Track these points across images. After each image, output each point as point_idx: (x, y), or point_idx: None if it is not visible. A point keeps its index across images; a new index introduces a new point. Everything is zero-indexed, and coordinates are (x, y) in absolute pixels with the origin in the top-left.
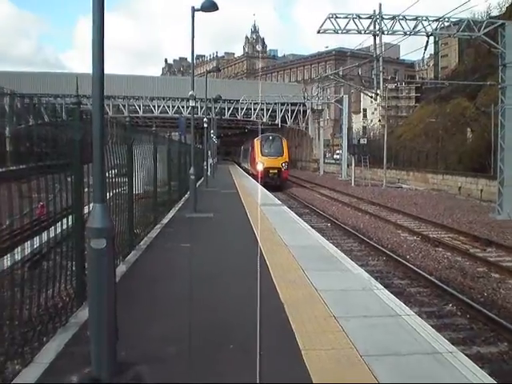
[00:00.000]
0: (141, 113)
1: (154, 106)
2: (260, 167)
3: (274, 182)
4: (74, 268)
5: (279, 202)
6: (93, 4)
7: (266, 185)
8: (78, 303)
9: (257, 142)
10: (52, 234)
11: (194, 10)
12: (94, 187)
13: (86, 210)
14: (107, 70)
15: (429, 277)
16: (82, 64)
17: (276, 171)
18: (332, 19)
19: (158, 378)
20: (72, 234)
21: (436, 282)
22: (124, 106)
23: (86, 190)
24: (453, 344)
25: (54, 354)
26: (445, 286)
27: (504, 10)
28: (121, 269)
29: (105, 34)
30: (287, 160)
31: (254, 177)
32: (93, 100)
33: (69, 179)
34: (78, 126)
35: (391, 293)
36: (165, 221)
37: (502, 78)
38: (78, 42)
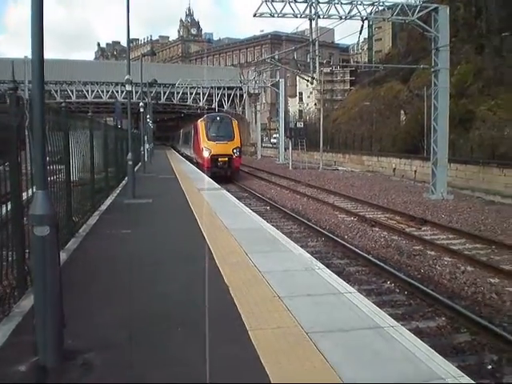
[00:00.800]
0: (74, 98)
1: (87, 91)
2: (206, 154)
3: (223, 172)
4: (14, 257)
5: (218, 186)
6: None
7: (214, 175)
8: (20, 292)
9: (201, 123)
10: None
11: None
12: (35, 174)
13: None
14: None
15: (367, 256)
16: (12, 49)
17: (226, 159)
18: (268, 3)
19: (107, 364)
20: (11, 222)
21: (374, 260)
22: (56, 92)
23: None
24: None
25: None
26: (382, 264)
27: None
28: (62, 256)
29: (43, 18)
30: (239, 145)
31: (199, 166)
32: (32, 85)
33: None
34: (15, 111)
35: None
36: (103, 207)
37: (435, 61)
38: (10, 26)
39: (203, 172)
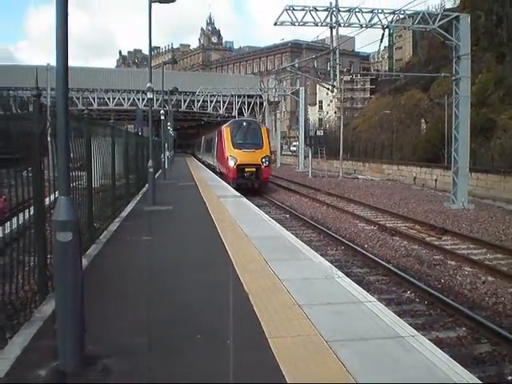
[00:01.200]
0: (95, 105)
1: (108, 99)
2: (231, 164)
3: (250, 183)
4: (36, 261)
5: (238, 194)
6: None
7: (239, 187)
8: (42, 297)
9: (226, 129)
10: (14, 228)
11: (151, 1)
12: (59, 180)
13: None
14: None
15: (387, 265)
16: (34, 55)
17: (254, 169)
18: (289, 11)
19: (127, 370)
20: (34, 228)
21: (394, 269)
22: (78, 99)
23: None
24: None
25: (19, 349)
26: (403, 274)
27: (458, 2)
28: (82, 263)
29: (67, 25)
30: (268, 154)
31: (223, 176)
32: (57, 92)
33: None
34: (38, 118)
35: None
36: (124, 214)
37: (456, 69)
38: (31, 33)
39: (227, 183)
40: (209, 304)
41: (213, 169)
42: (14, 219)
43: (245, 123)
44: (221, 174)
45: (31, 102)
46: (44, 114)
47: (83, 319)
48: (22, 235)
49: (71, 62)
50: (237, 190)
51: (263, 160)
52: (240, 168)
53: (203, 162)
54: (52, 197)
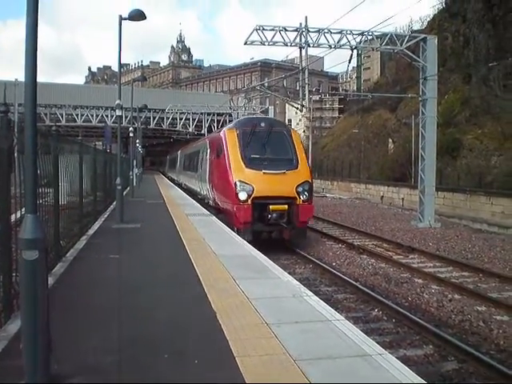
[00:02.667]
0: (63, 121)
1: (77, 115)
2: (242, 197)
3: (278, 232)
4: (1, 279)
5: (207, 212)
6: (27, 11)
7: (256, 237)
8: (6, 316)
9: (229, 134)
10: None
11: (121, 18)
12: (26, 197)
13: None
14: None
15: (354, 283)
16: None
17: (284, 206)
18: (259, 31)
19: None
20: None
21: (362, 288)
22: (46, 115)
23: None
24: None
25: None
26: (370, 292)
27: (425, 24)
28: (49, 281)
29: (37, 40)
30: (309, 178)
31: (225, 216)
32: (25, 108)
33: None
34: (6, 134)
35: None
36: (91, 232)
37: (423, 90)
38: None
39: (233, 229)
40: (176, 323)
41: (200, 198)
42: None
43: (263, 123)
44: (217, 211)
45: None
46: (11, 130)
47: (50, 338)
48: None
49: (39, 78)
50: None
51: (300, 189)
52: (259, 204)
53: (180, 185)
54: (18, 214)
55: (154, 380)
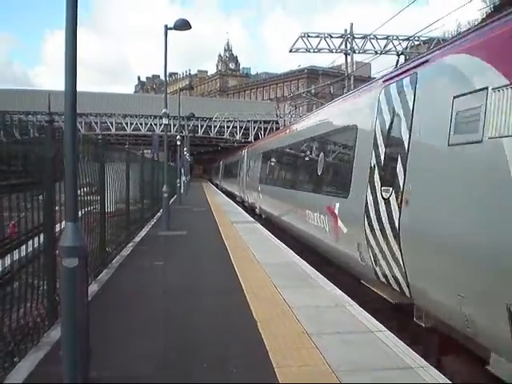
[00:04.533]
0: (113, 130)
1: (126, 124)
2: None
3: None
4: (45, 287)
5: (252, 220)
6: (66, 20)
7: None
8: (50, 323)
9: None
10: (23, 253)
11: (167, 28)
12: (67, 206)
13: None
14: (78, 88)
15: None
16: (50, 80)
17: None
18: (304, 38)
19: None
20: (43, 253)
21: None
22: (96, 124)
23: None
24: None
25: (26, 374)
26: None
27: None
28: (93, 288)
29: (77, 50)
30: None
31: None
32: (65, 117)
33: (40, 197)
34: (50, 143)
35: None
36: (137, 239)
37: None
38: (47, 58)
39: None
40: (217, 332)
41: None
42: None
43: None
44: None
45: (42, 127)
46: (57, 139)
47: (88, 345)
48: (33, 261)
49: (90, 88)
50: None
51: None
52: None
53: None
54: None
55: None
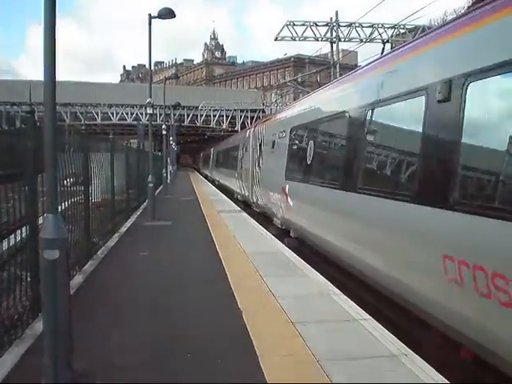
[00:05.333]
0: (99, 120)
1: (112, 113)
2: None
3: None
4: (28, 279)
5: (238, 209)
6: (44, 9)
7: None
8: (34, 315)
9: None
10: (5, 246)
11: (150, 17)
12: (47, 197)
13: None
14: (63, 78)
15: None
16: (34, 70)
17: None
18: (289, 26)
19: None
20: (26, 245)
21: None
22: (82, 114)
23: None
24: None
25: (10, 366)
26: None
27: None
28: (78, 279)
29: (56, 40)
30: None
31: None
32: (45, 107)
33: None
34: (32, 134)
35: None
36: (123, 229)
37: None
38: (30, 48)
39: None
40: (202, 322)
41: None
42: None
43: None
44: None
45: (24, 118)
46: (38, 130)
47: (71, 337)
48: (16, 253)
49: (74, 77)
50: None
51: None
52: None
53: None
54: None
55: (174, 379)
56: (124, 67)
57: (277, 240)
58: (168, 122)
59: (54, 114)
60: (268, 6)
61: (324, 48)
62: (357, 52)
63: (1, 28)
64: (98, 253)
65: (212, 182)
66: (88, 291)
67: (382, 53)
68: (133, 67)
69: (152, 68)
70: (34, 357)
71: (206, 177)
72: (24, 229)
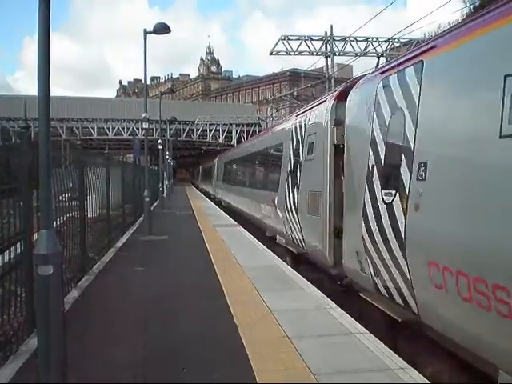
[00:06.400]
0: (95, 135)
1: (108, 128)
2: None
3: None
4: (23, 295)
5: (234, 223)
6: (38, 24)
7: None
8: (29, 331)
9: None
10: (0, 261)
11: (146, 32)
12: (41, 213)
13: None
14: (59, 93)
15: None
16: (30, 85)
17: None
18: (284, 41)
19: None
20: (22, 261)
21: None
22: (78, 129)
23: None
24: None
25: (5, 382)
26: None
27: None
28: (73, 294)
29: (51, 55)
30: None
31: None
32: (39, 122)
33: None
34: (26, 150)
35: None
36: (119, 244)
37: None
38: (26, 63)
39: None
40: (197, 336)
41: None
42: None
43: None
44: None
45: (19, 133)
46: (34, 146)
47: (65, 353)
48: (11, 269)
49: (70, 93)
50: None
51: None
52: None
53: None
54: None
55: None
56: (120, 82)
57: (273, 254)
58: (164, 136)
59: (48, 130)
60: (261, 21)
61: (319, 62)
62: (352, 66)
63: None
64: (94, 268)
65: (218, 203)
66: (83, 306)
67: (376, 66)
68: (129, 82)
69: (148, 83)
70: (29, 372)
71: (206, 194)
72: (19, 244)
